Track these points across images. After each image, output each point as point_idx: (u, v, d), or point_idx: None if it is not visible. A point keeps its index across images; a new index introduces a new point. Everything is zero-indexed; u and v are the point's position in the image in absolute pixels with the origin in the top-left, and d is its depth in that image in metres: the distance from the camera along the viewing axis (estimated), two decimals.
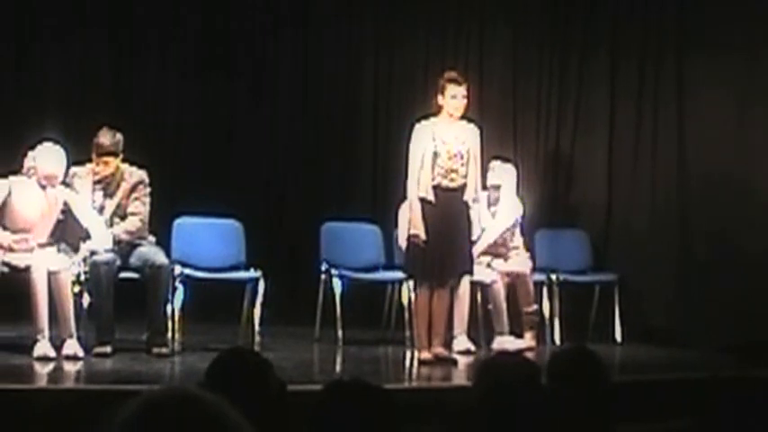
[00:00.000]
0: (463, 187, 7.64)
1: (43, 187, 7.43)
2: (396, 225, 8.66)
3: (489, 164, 8.80)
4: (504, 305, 8.53)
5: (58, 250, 7.45)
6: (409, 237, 7.69)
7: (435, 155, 7.55)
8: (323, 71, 10.10)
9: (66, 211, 7.53)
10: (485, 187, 8.53)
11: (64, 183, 7.53)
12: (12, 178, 7.43)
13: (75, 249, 7.51)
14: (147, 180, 7.74)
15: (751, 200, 9.15)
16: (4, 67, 9.15)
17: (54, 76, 9.23)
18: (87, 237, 7.50)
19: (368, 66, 10.30)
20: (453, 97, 7.59)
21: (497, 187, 8.81)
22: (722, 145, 9.38)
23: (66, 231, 7.55)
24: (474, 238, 8.03)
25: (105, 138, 7.55)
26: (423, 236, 7.50)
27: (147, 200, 7.73)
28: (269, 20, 9.86)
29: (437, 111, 7.66)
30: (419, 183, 7.56)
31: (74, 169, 7.61)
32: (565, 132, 10.36)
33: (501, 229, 8.82)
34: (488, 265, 8.58)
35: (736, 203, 9.19)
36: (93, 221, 7.54)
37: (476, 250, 8.59)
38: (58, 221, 7.52)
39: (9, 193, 7.36)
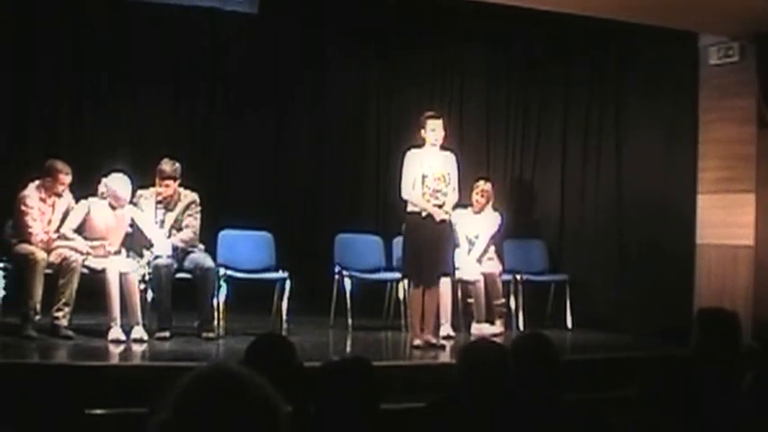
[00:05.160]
0: (446, 204, 7.62)
1: (113, 207, 7.47)
2: (395, 235, 8.72)
3: (475, 183, 8.82)
4: (483, 299, 8.54)
5: (128, 256, 7.49)
6: (404, 244, 7.68)
7: (424, 177, 7.51)
8: (336, 113, 10.10)
9: (134, 225, 7.57)
10: (465, 206, 8.54)
11: (131, 203, 7.57)
12: (90, 200, 7.47)
13: (141, 255, 7.53)
14: (198, 200, 7.76)
15: (673, 215, 9.16)
16: (85, 113, 9.17)
17: (123, 120, 9.22)
18: (150, 245, 7.53)
19: (372, 109, 10.31)
20: (433, 130, 7.54)
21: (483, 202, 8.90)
22: (651, 172, 9.39)
23: (134, 241, 7.58)
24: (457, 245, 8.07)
25: (167, 166, 7.60)
26: (441, 212, 7.40)
27: (198, 216, 7.74)
28: (293, 71, 9.87)
29: (423, 143, 7.61)
30: (413, 201, 7.54)
31: (140, 192, 7.64)
32: (527, 162, 10.39)
33: (488, 235, 8.85)
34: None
35: (661, 217, 9.21)
36: (155, 233, 7.57)
37: (473, 256, 8.64)
38: (127, 234, 7.55)
39: (88, 212, 7.41)
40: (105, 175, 7.50)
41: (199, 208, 7.75)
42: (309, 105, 10.04)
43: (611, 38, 9.49)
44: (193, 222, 7.70)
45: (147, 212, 7.63)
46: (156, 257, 7.46)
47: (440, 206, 7.50)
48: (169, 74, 9.44)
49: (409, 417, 3.56)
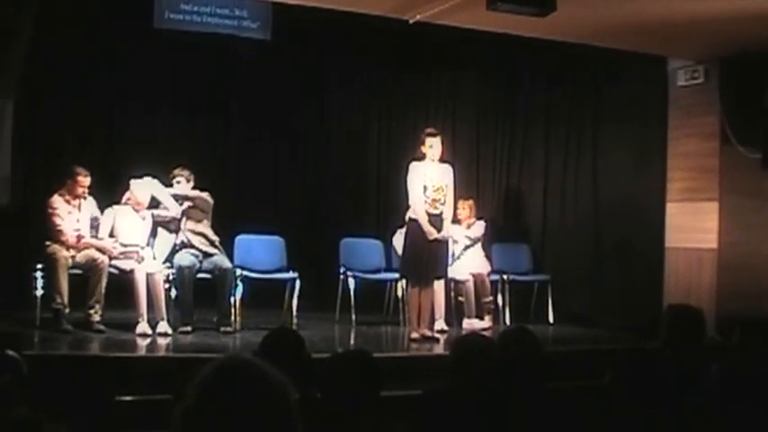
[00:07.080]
0: (443, 213, 7.62)
1: (136, 211, 7.52)
2: (390, 243, 8.75)
3: (458, 202, 8.84)
4: (472, 297, 8.55)
5: (152, 247, 7.54)
6: (404, 247, 7.69)
7: (425, 188, 7.53)
8: (341, 132, 10.10)
9: (155, 222, 7.59)
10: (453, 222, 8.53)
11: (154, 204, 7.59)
12: (115, 207, 7.54)
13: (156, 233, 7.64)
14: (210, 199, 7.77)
15: (644, 221, 9.17)
16: (113, 130, 9.18)
17: (147, 136, 9.17)
18: (172, 221, 7.58)
19: (373, 130, 10.30)
20: (431, 146, 7.57)
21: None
22: (625, 183, 9.41)
23: (155, 230, 7.65)
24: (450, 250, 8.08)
25: (176, 169, 7.73)
26: (435, 232, 7.42)
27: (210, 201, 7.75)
28: (302, 93, 9.88)
29: (422, 157, 7.64)
30: (417, 211, 7.54)
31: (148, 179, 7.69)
32: (513, 176, 10.42)
33: (474, 240, 8.90)
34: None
35: (634, 224, 9.23)
36: (170, 202, 7.61)
37: (455, 253, 8.66)
38: (150, 230, 7.61)
39: (114, 218, 7.46)
40: (134, 177, 7.55)
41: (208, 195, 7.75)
42: (317, 124, 10.05)
43: (589, 63, 9.50)
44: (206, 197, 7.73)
45: (165, 192, 7.67)
46: (175, 249, 7.50)
47: (438, 214, 7.53)
48: (190, 93, 9.44)
49: (407, 403, 3.55)
